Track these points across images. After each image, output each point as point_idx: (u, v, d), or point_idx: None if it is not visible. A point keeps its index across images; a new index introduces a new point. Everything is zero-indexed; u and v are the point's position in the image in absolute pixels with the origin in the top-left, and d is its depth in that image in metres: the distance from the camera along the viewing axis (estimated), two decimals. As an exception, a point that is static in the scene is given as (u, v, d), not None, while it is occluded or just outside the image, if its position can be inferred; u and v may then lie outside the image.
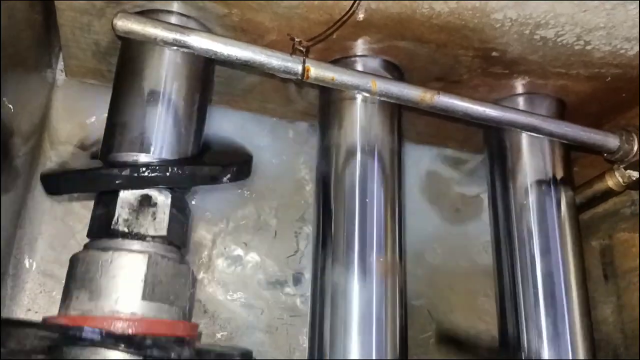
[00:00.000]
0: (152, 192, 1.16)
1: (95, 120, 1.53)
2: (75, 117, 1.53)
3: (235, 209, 1.63)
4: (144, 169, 1.14)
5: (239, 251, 1.60)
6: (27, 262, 1.42)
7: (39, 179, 1.28)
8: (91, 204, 1.21)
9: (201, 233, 1.58)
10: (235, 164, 1.26)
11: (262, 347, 1.54)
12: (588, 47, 1.33)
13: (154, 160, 1.17)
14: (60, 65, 1.54)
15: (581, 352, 1.35)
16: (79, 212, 1.47)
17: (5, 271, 1.37)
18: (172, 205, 1.17)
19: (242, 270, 1.59)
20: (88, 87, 1.55)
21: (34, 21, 1.30)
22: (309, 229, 1.66)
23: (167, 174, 1.15)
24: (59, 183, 1.24)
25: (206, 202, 1.58)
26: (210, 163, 1.24)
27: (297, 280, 1.62)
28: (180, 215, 1.20)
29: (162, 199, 1.16)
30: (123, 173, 1.14)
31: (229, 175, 1.23)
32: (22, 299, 1.40)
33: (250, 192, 1.64)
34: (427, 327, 1.71)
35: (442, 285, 1.76)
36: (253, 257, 1.61)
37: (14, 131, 1.26)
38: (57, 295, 1.39)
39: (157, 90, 1.22)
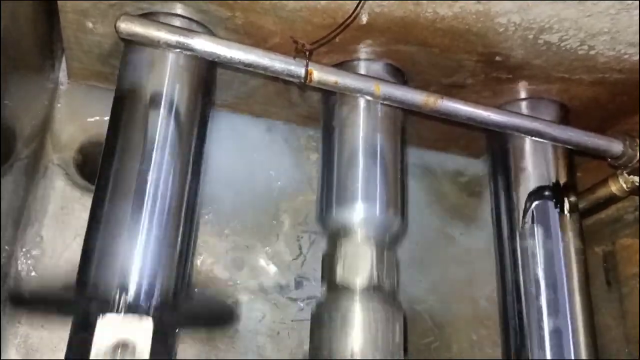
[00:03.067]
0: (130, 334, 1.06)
1: (97, 121, 1.52)
2: (78, 120, 1.53)
3: (237, 212, 1.62)
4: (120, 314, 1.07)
5: (241, 255, 1.60)
6: (28, 264, 1.41)
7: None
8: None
9: (205, 237, 1.57)
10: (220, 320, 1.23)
11: (264, 351, 1.53)
12: (592, 52, 1.33)
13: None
14: (63, 67, 1.54)
15: (584, 357, 1.34)
16: (80, 215, 1.46)
17: (7, 272, 1.37)
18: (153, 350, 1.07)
19: (244, 274, 1.58)
20: (90, 90, 1.55)
21: (36, 23, 1.30)
22: (311, 233, 1.65)
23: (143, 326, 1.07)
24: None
25: (208, 205, 1.58)
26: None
27: (299, 284, 1.62)
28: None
29: (142, 340, 1.06)
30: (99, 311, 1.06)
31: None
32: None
33: (252, 196, 1.64)
34: (428, 333, 1.71)
35: (444, 291, 1.76)
36: (255, 260, 1.60)
37: (16, 133, 1.26)
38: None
39: (160, 92, 1.21)
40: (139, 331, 1.05)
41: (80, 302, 1.10)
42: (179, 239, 1.18)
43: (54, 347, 1.35)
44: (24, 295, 1.22)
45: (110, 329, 1.04)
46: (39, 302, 1.17)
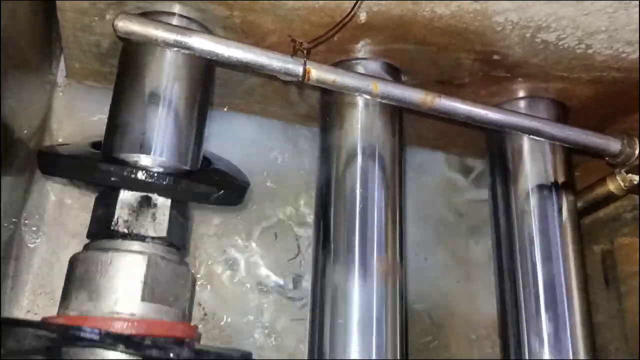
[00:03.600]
0: (153, 194, 1.16)
1: (96, 121, 1.52)
2: (76, 119, 1.53)
3: (235, 210, 1.62)
4: (142, 172, 1.14)
5: (239, 253, 1.60)
6: (27, 264, 1.41)
7: (36, 155, 1.28)
8: (92, 204, 1.21)
9: (201, 234, 1.57)
10: (231, 190, 1.26)
11: (262, 350, 1.53)
12: (590, 51, 1.33)
13: (154, 163, 1.17)
14: (61, 66, 1.54)
15: (582, 356, 1.34)
16: (80, 213, 1.46)
17: (5, 272, 1.37)
18: (173, 206, 1.17)
19: (242, 272, 1.58)
20: (89, 89, 1.54)
21: (35, 22, 1.30)
22: (309, 232, 1.65)
23: (164, 184, 1.15)
24: (55, 165, 1.24)
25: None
26: (208, 182, 1.23)
27: (297, 283, 1.62)
28: (181, 217, 1.19)
29: (162, 200, 1.16)
30: (121, 172, 1.14)
31: (221, 199, 1.23)
32: (22, 301, 1.39)
33: (251, 194, 1.64)
34: (427, 332, 1.71)
35: (444, 290, 1.76)
36: (253, 259, 1.60)
37: (15, 132, 1.26)
38: (57, 296, 1.37)
39: (158, 91, 1.21)
40: (158, 188, 1.14)
41: (104, 166, 1.15)
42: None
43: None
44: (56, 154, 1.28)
45: (132, 186, 1.14)
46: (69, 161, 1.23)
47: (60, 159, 1.24)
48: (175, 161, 1.19)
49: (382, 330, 1.24)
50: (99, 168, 1.16)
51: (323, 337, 1.26)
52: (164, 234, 1.14)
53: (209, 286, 1.55)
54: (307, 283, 1.61)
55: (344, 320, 1.24)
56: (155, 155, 1.17)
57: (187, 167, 1.22)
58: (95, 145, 1.27)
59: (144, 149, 1.17)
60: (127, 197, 1.14)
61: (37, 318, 1.35)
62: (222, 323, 1.53)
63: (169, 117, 1.20)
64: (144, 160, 1.16)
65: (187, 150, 1.22)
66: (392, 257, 1.30)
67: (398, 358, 1.24)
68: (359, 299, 1.24)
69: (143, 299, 1.06)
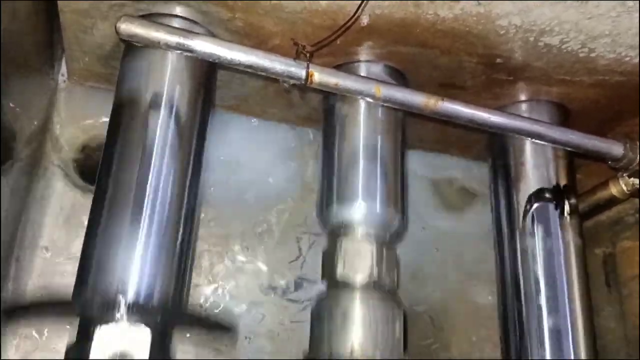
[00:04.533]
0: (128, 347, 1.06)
1: (98, 123, 1.52)
2: (78, 120, 1.53)
3: (236, 212, 1.62)
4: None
5: (241, 256, 1.59)
6: (28, 266, 1.41)
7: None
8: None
9: (203, 237, 1.57)
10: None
11: (264, 352, 1.53)
12: (592, 55, 1.33)
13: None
14: (63, 68, 1.54)
15: (583, 356, 1.34)
16: (79, 216, 1.46)
17: (6, 274, 1.37)
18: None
19: (244, 275, 1.58)
20: (90, 90, 1.54)
21: (37, 24, 1.30)
22: (311, 235, 1.65)
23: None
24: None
25: (207, 205, 1.58)
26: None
27: (298, 285, 1.62)
28: None
29: (139, 355, 1.06)
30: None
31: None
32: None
33: (252, 197, 1.64)
34: (428, 334, 1.71)
35: (444, 292, 1.76)
36: (255, 262, 1.60)
37: (16, 134, 1.26)
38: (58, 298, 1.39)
39: (160, 94, 1.21)
40: (137, 342, 1.05)
41: (78, 309, 1.09)
42: (178, 245, 1.18)
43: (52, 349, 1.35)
44: (22, 306, 1.21)
45: (108, 340, 1.04)
46: (37, 310, 1.15)
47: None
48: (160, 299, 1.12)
49: None
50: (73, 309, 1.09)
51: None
52: None
53: (209, 287, 1.55)
54: (308, 285, 1.61)
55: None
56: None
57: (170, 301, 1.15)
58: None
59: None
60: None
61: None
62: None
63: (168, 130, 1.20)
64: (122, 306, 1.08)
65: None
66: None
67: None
68: None
69: None
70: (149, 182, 1.16)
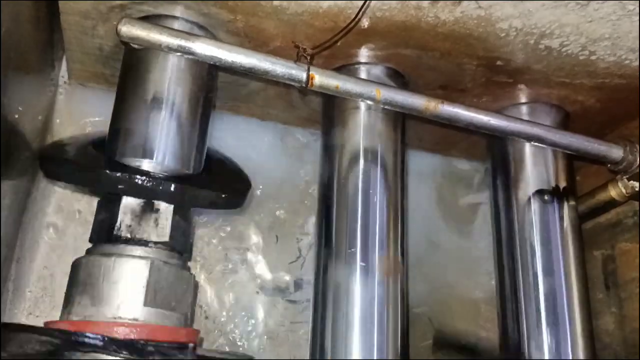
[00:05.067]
0: (155, 199, 1.16)
1: (98, 123, 1.53)
2: (78, 121, 1.53)
3: (237, 214, 1.62)
4: (144, 178, 1.14)
5: (241, 257, 1.60)
6: (28, 266, 1.41)
7: (38, 158, 1.29)
8: (94, 207, 1.21)
9: (203, 238, 1.57)
10: (235, 193, 1.27)
11: (263, 353, 1.53)
12: (593, 57, 1.33)
13: (157, 168, 1.17)
14: (64, 68, 1.54)
15: (582, 357, 1.35)
16: (82, 216, 1.47)
17: (7, 275, 1.37)
18: (175, 211, 1.17)
19: (244, 276, 1.59)
20: (91, 91, 1.55)
21: (38, 25, 1.30)
22: (311, 236, 1.65)
23: (166, 189, 1.15)
24: (59, 170, 1.24)
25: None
26: (210, 187, 1.23)
27: (298, 286, 1.62)
28: (183, 221, 1.19)
29: (165, 205, 1.16)
30: (123, 179, 1.13)
31: (224, 203, 1.24)
32: (24, 303, 1.40)
33: (253, 198, 1.64)
34: (427, 335, 1.71)
35: (444, 293, 1.76)
36: (254, 263, 1.60)
37: (17, 134, 1.26)
38: (59, 299, 1.37)
39: (161, 95, 1.21)
40: (162, 195, 1.14)
41: (107, 171, 1.15)
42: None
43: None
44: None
45: (136, 192, 1.13)
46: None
47: (63, 164, 1.24)
48: (177, 166, 1.19)
49: (384, 330, 1.24)
50: (102, 175, 1.16)
51: (325, 336, 1.26)
52: (166, 239, 1.14)
53: (210, 288, 1.55)
54: (308, 286, 1.61)
55: (346, 319, 1.24)
56: (157, 161, 1.17)
57: (190, 172, 1.22)
58: (97, 144, 1.27)
59: (147, 154, 1.17)
60: (129, 202, 1.14)
61: (39, 321, 1.36)
62: (224, 325, 1.53)
63: (171, 122, 1.20)
64: (146, 165, 1.17)
65: (190, 155, 1.23)
66: (393, 255, 1.30)
67: (399, 358, 1.25)
68: (361, 298, 1.24)
69: (146, 304, 1.07)
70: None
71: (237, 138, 1.66)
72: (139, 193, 1.15)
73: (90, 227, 1.19)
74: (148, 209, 1.15)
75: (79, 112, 1.54)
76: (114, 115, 1.24)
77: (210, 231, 1.59)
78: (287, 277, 1.62)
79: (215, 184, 1.26)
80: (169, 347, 1.03)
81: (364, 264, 1.27)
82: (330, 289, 1.28)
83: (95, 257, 1.11)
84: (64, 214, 1.47)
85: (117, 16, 1.23)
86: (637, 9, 1.18)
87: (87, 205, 1.48)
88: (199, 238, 1.56)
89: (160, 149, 1.18)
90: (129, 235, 1.12)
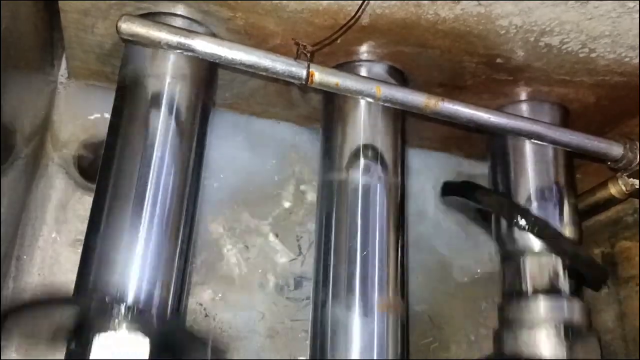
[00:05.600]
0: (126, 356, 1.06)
1: (98, 121, 1.52)
2: (78, 119, 1.53)
3: (235, 211, 1.62)
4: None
5: (240, 255, 1.60)
6: (28, 264, 1.41)
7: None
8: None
9: (203, 236, 1.57)
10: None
11: (263, 351, 1.53)
12: (593, 55, 1.33)
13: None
14: (63, 66, 1.54)
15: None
16: (80, 214, 1.47)
17: (7, 272, 1.37)
18: None
19: (243, 274, 1.58)
20: (91, 89, 1.54)
21: (37, 22, 1.30)
22: (310, 234, 1.65)
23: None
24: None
25: (208, 205, 1.58)
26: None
27: (298, 284, 1.62)
28: None
29: None
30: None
31: None
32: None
33: (252, 196, 1.64)
34: (427, 333, 1.71)
35: (445, 292, 1.76)
36: (254, 260, 1.60)
37: (16, 132, 1.26)
38: (58, 297, 1.39)
39: (161, 93, 1.21)
40: (136, 351, 1.05)
41: (77, 312, 1.09)
42: (179, 245, 1.18)
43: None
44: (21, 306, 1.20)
45: (106, 348, 1.04)
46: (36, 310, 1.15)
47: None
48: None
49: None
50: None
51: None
52: None
53: (210, 287, 1.55)
54: (307, 283, 1.61)
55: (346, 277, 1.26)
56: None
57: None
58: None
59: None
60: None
61: (38, 319, 1.36)
62: (223, 324, 1.53)
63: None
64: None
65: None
66: (393, 256, 1.30)
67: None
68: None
69: None
70: (149, 180, 1.16)
71: (237, 135, 1.66)
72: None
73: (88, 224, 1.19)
74: None
75: (79, 110, 1.54)
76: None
77: (209, 229, 1.59)
78: (287, 275, 1.62)
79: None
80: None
81: (363, 265, 1.27)
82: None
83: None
84: (63, 212, 1.47)
85: (117, 14, 1.23)
86: (637, 6, 1.18)
87: (86, 203, 1.47)
88: (199, 235, 1.56)
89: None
90: None
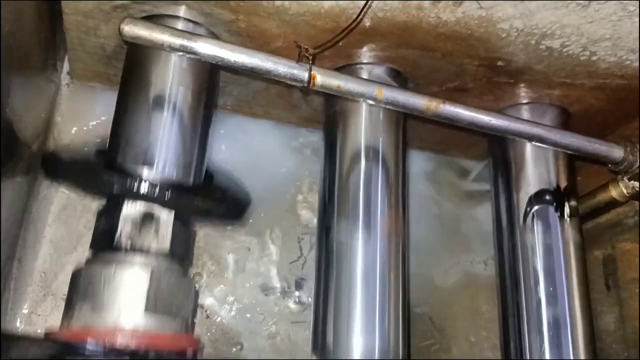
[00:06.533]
0: (155, 208, 1.16)
1: (100, 123, 1.53)
2: (80, 121, 1.53)
3: (237, 213, 1.63)
4: (145, 185, 1.14)
5: (242, 256, 1.60)
6: (30, 265, 1.41)
7: (40, 159, 1.28)
8: (94, 207, 1.21)
9: (204, 239, 1.57)
10: (235, 206, 1.26)
11: (264, 353, 1.53)
12: (593, 58, 1.33)
13: (157, 176, 1.16)
14: (66, 68, 1.54)
15: (582, 357, 1.35)
16: (83, 215, 1.47)
17: (8, 274, 1.37)
18: (175, 219, 1.17)
19: (245, 275, 1.59)
20: (93, 91, 1.55)
21: (40, 24, 1.30)
22: (311, 236, 1.66)
23: (166, 198, 1.15)
24: (61, 171, 1.24)
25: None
26: (210, 198, 1.23)
27: (299, 286, 1.62)
28: (183, 229, 1.19)
29: (165, 214, 1.16)
30: (123, 184, 1.13)
31: (224, 215, 1.23)
32: (25, 302, 1.40)
33: (253, 198, 1.64)
34: (428, 335, 1.71)
35: (444, 294, 1.76)
36: (255, 262, 1.61)
37: (19, 134, 1.26)
38: (59, 299, 1.40)
39: (163, 96, 1.22)
40: (162, 203, 1.14)
41: (108, 177, 1.15)
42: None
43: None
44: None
45: (136, 203, 1.12)
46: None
47: (64, 166, 1.24)
48: (178, 175, 1.19)
49: (385, 284, 1.27)
50: (102, 178, 1.16)
51: (328, 292, 1.28)
52: (166, 247, 1.14)
53: (211, 288, 1.55)
54: (309, 285, 1.61)
55: (348, 275, 1.26)
56: (158, 169, 1.17)
57: (190, 181, 1.22)
58: (100, 152, 1.26)
59: (147, 162, 1.17)
60: (130, 211, 1.14)
61: (40, 320, 1.36)
62: (224, 325, 1.53)
63: (172, 128, 1.20)
64: (147, 173, 1.16)
65: (191, 164, 1.23)
66: (395, 260, 1.31)
67: (400, 315, 1.26)
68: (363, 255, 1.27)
69: (147, 311, 1.06)
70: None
71: (238, 138, 1.66)
72: (138, 199, 1.14)
73: (92, 226, 1.20)
74: (148, 217, 1.14)
75: (81, 112, 1.54)
76: (115, 120, 1.25)
77: (211, 231, 1.59)
78: (288, 277, 1.62)
79: (215, 195, 1.26)
80: (169, 354, 1.03)
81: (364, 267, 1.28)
82: (333, 248, 1.30)
83: (96, 265, 1.11)
84: (66, 213, 1.47)
85: (120, 16, 1.23)
86: (638, 9, 1.18)
87: (89, 204, 1.47)
88: (201, 237, 1.56)
89: (161, 157, 1.18)
90: (129, 244, 1.12)
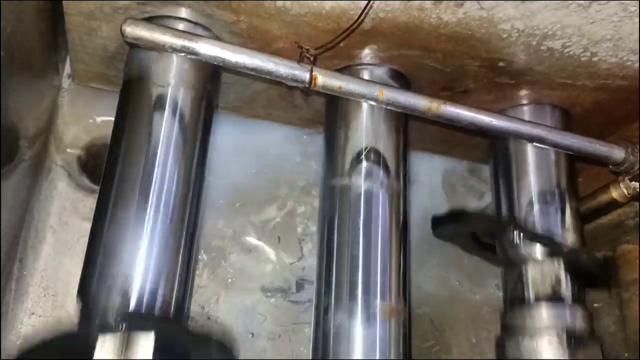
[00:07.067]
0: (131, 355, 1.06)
1: (101, 124, 1.53)
2: (82, 121, 1.54)
3: (238, 215, 1.63)
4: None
5: (242, 257, 1.60)
6: (31, 266, 1.41)
7: None
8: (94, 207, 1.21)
9: (205, 238, 1.57)
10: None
11: (264, 354, 1.53)
12: (594, 59, 1.33)
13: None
14: (67, 69, 1.54)
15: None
16: (84, 215, 1.47)
17: (10, 274, 1.37)
18: None
19: (245, 276, 1.59)
20: (94, 92, 1.55)
21: (41, 25, 1.30)
22: (312, 236, 1.66)
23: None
24: None
25: (211, 207, 1.58)
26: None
27: (300, 286, 1.62)
28: None
29: None
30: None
31: None
32: (26, 302, 1.39)
33: (253, 199, 1.64)
34: (429, 336, 1.71)
35: (445, 295, 1.76)
36: (256, 263, 1.61)
37: (20, 134, 1.27)
38: (61, 299, 1.40)
39: (164, 96, 1.22)
40: (141, 348, 1.05)
41: (82, 313, 1.10)
42: (182, 244, 1.18)
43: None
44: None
45: (111, 348, 1.04)
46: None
47: None
48: None
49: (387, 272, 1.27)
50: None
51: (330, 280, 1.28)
52: None
53: (212, 289, 1.55)
54: (309, 286, 1.61)
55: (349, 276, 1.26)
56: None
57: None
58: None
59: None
60: None
61: (41, 320, 1.36)
62: (225, 326, 1.53)
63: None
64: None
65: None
66: (395, 263, 1.30)
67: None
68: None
69: None
70: (153, 182, 1.16)
71: (239, 139, 1.66)
72: None
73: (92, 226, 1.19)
74: None
75: (83, 113, 1.54)
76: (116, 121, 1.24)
77: (212, 231, 1.59)
78: (289, 278, 1.62)
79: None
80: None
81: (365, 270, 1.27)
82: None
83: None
84: (67, 214, 1.47)
85: (121, 17, 1.23)
86: (638, 10, 1.18)
87: (90, 205, 1.48)
88: (202, 237, 1.56)
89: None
90: None
